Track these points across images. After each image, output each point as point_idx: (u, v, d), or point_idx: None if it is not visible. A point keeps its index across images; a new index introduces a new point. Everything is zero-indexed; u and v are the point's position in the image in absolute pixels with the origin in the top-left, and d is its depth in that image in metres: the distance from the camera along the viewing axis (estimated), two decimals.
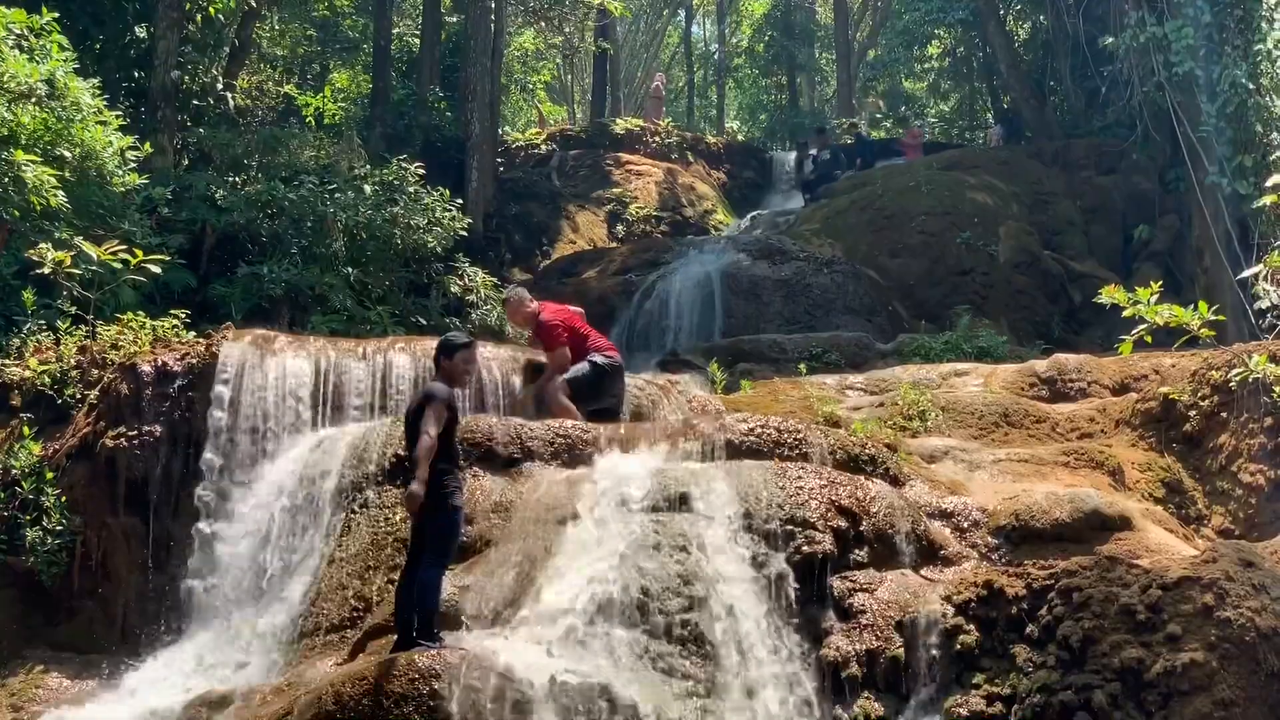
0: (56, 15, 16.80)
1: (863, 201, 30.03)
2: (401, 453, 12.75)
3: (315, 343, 15.05)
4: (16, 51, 15.92)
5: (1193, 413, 14.72)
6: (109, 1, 25.15)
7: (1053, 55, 36.69)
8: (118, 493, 14.00)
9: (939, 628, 10.70)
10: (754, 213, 36.30)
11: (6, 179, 15.46)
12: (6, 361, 15.65)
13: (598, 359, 14.86)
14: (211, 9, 27.47)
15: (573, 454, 12.93)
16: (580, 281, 26.79)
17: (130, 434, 14.03)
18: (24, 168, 15.42)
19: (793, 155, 41.88)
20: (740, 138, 52.62)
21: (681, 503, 11.64)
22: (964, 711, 10.22)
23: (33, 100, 16.04)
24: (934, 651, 10.63)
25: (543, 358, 15.11)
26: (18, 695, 13.04)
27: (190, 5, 25.98)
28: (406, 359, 14.70)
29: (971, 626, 10.65)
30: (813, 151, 37.34)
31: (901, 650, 10.70)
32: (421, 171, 24.51)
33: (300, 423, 14.10)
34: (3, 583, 14.00)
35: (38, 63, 16.03)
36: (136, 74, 26.05)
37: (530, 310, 15.48)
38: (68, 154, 16.39)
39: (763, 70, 55.64)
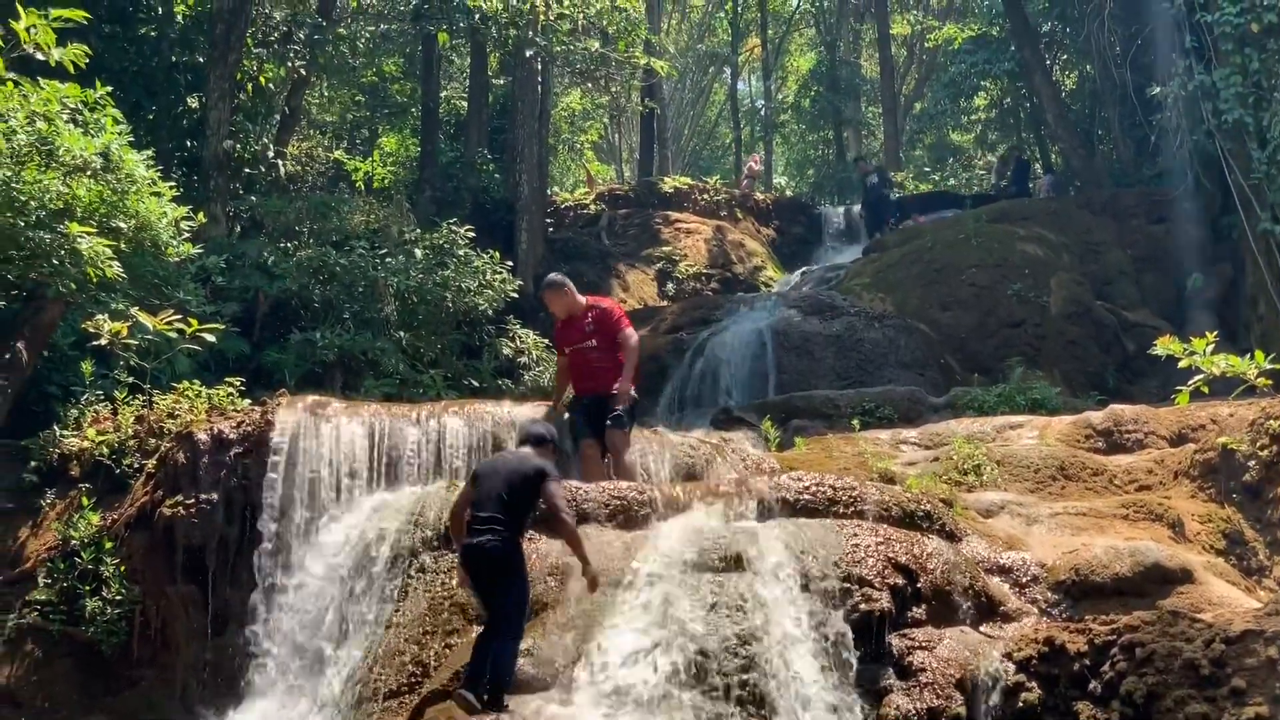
0: (110, 89, 16.95)
1: (913, 255, 30.01)
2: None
3: (369, 408, 15.09)
4: (72, 125, 16.07)
5: (1252, 463, 14.60)
6: (161, 73, 25.51)
7: (1100, 105, 36.68)
8: (176, 561, 14.02)
9: (1000, 685, 10.60)
10: (804, 268, 36.35)
11: (63, 251, 15.58)
12: (65, 432, 15.80)
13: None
14: (262, 78, 27.84)
15: (628, 515, 12.89)
16: None
17: (188, 502, 14.06)
18: (80, 240, 15.54)
19: (841, 210, 42.07)
20: (788, 193, 52.69)
21: (738, 563, 11.56)
22: None
23: (88, 173, 16.18)
24: (996, 709, 10.53)
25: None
26: None
27: (241, 75, 26.29)
28: (460, 422, 14.72)
29: (1033, 684, 10.53)
30: (872, 179, 37.64)
31: (963, 709, 10.58)
32: (471, 234, 24.65)
33: (355, 488, 14.11)
34: (63, 653, 14.06)
35: (93, 136, 16.18)
36: (190, 143, 26.40)
37: (577, 299, 15.54)
38: (123, 225, 16.51)
39: (809, 125, 55.89)
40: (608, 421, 14.70)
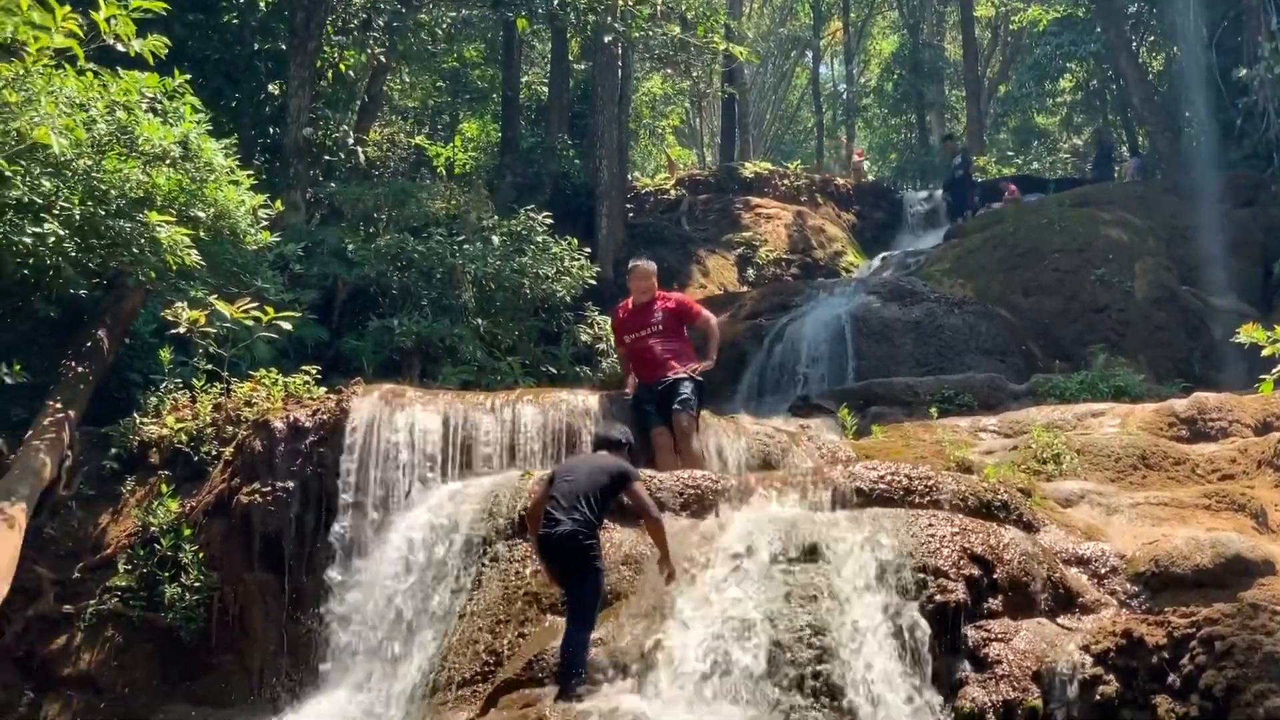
0: (189, 77, 17.04)
1: (994, 240, 29.75)
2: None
3: (444, 396, 15.12)
4: (151, 115, 16.18)
5: None
6: (243, 61, 25.66)
7: (1187, 88, 36.20)
8: (253, 548, 14.14)
9: (1078, 678, 10.47)
10: (884, 253, 36.11)
11: (143, 239, 15.69)
12: (145, 420, 15.94)
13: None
14: (342, 65, 27.95)
15: (702, 504, 12.83)
16: None
17: (264, 490, 14.16)
18: (159, 228, 15.65)
19: (923, 194, 41.82)
20: (870, 177, 52.43)
21: (811, 552, 11.46)
22: None
23: (167, 162, 16.28)
24: (1073, 702, 10.39)
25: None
26: None
27: (321, 62, 26.41)
28: (534, 410, 14.70)
29: (1111, 676, 10.41)
30: (956, 161, 37.36)
31: (1039, 701, 10.46)
32: (549, 221, 24.63)
33: (430, 477, 14.13)
34: (142, 638, 14.23)
35: (172, 125, 16.29)
36: (271, 130, 26.53)
37: (655, 287, 15.63)
38: (202, 214, 16.60)
39: (892, 109, 55.53)
40: (675, 406, 14.68)
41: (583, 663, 10.46)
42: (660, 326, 15.21)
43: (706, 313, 15.77)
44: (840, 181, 43.09)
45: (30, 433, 15.48)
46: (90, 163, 15.48)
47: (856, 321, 24.34)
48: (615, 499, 11.40)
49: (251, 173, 18.37)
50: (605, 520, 11.55)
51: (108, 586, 14.48)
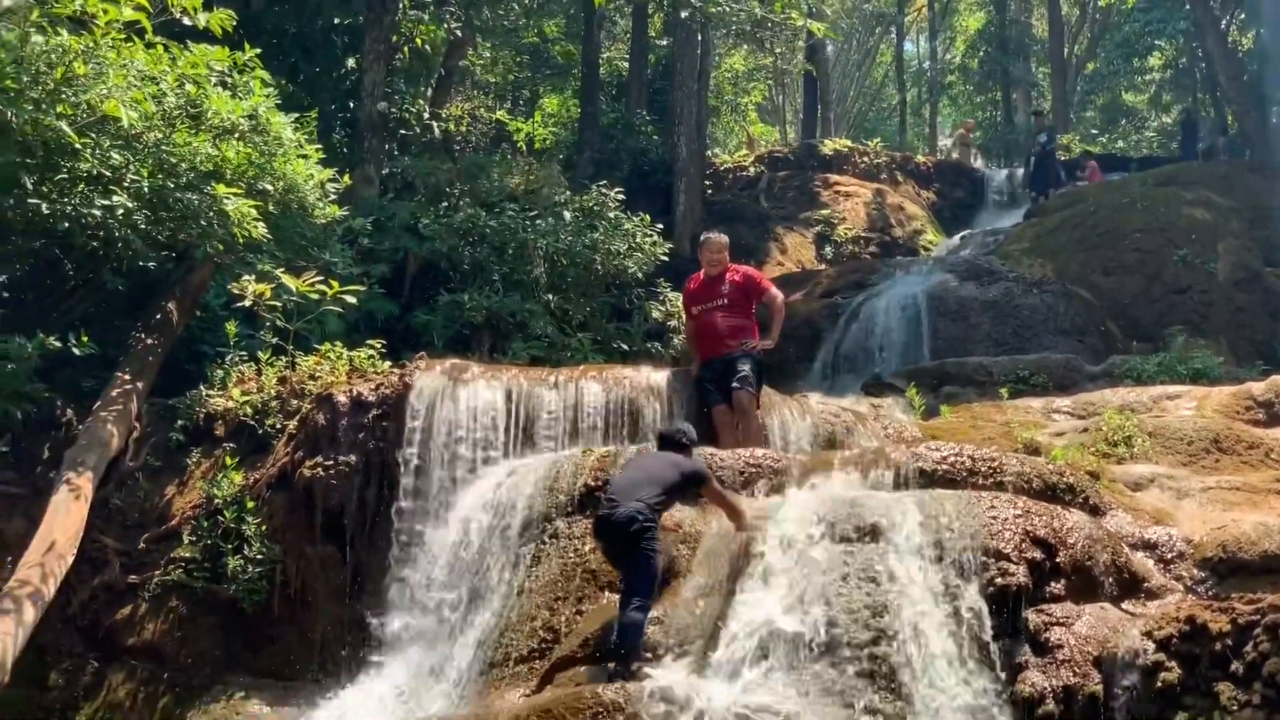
0: (264, 50, 17.08)
1: (1074, 219, 29.40)
2: (591, 483, 12.74)
3: (507, 372, 15.11)
4: (220, 88, 16.23)
5: None
6: (319, 35, 25.75)
7: (1275, 67, 35.64)
8: (315, 522, 14.22)
9: (1139, 664, 10.26)
10: (963, 232, 35.80)
11: (211, 213, 15.74)
12: (211, 392, 16.01)
13: None
14: (419, 40, 27.96)
15: (763, 483, 12.74)
16: (787, 304, 26.54)
17: (327, 464, 14.23)
18: (227, 201, 15.69)
19: (1004, 173, 41.43)
20: (954, 155, 52.02)
21: (872, 533, 11.32)
22: None
23: (236, 135, 16.33)
24: (1134, 689, 10.20)
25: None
26: None
27: (397, 37, 26.43)
28: (598, 388, 14.66)
29: (1173, 663, 10.18)
30: (1041, 138, 36.91)
31: (1100, 687, 10.26)
32: (621, 196, 24.55)
33: (491, 453, 14.13)
34: (206, 610, 14.33)
35: (241, 99, 16.33)
36: (349, 105, 26.59)
37: (727, 260, 15.60)
38: (270, 187, 16.64)
39: (977, 86, 55.06)
40: (735, 383, 14.60)
41: (639, 643, 10.42)
42: (726, 300, 15.16)
43: (774, 290, 15.73)
44: (921, 160, 42.76)
45: (98, 404, 15.61)
46: (159, 136, 15.54)
47: (933, 300, 24.12)
48: (682, 497, 11.51)
49: (323, 147, 18.41)
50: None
51: (172, 558, 14.58)
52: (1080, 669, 10.38)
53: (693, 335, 15.88)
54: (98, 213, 14.99)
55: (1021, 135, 46.14)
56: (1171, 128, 48.96)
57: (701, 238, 15.96)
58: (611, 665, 10.40)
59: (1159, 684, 10.10)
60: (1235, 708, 9.71)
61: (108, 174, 15.16)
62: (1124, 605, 11.18)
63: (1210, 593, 11.33)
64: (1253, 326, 25.62)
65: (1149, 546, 12.05)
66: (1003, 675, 10.50)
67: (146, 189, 15.32)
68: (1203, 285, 26.11)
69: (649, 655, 10.56)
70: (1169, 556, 11.92)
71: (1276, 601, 10.09)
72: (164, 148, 15.54)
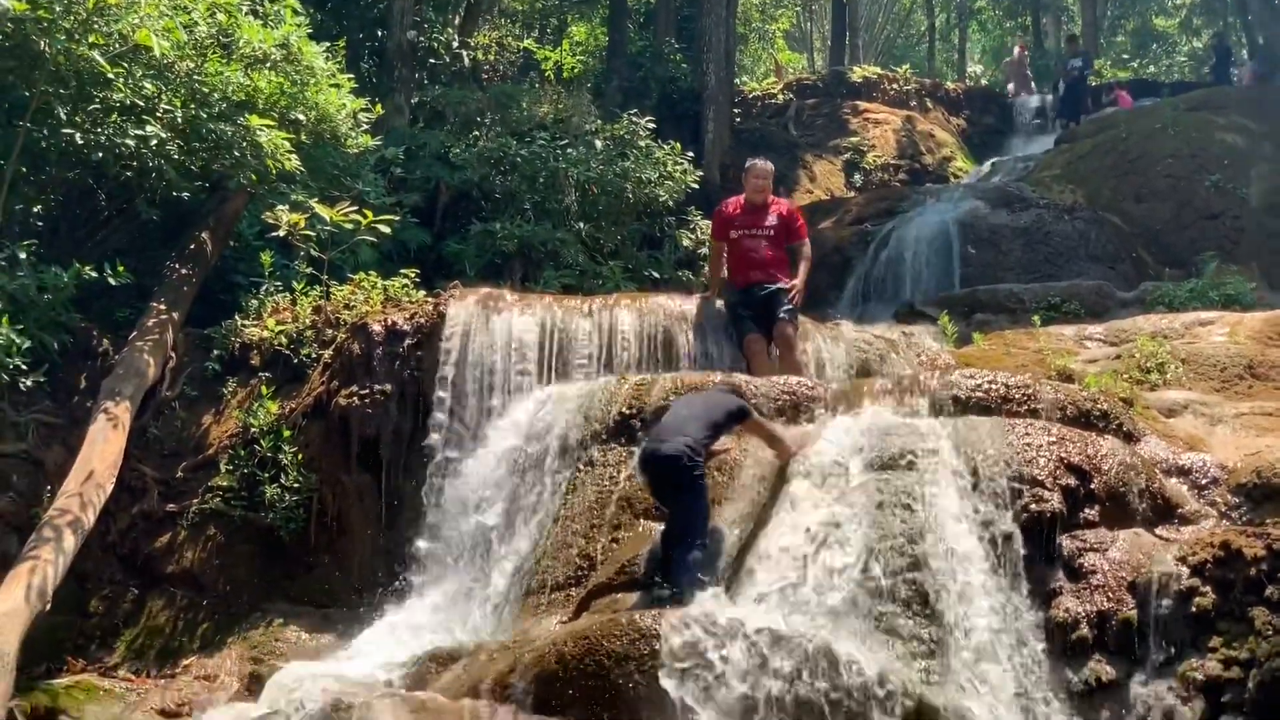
0: None
1: (1105, 145, 29.20)
2: (626, 411, 12.80)
3: (541, 300, 15.13)
4: (251, 18, 16.23)
5: None
6: None
7: None
8: (351, 451, 14.30)
9: (1173, 589, 10.29)
10: (994, 159, 35.58)
11: (244, 143, 15.78)
12: (246, 322, 16.07)
13: None
14: None
15: (797, 410, 12.75)
16: (816, 232, 26.20)
17: (362, 393, 14.30)
18: (260, 132, 15.72)
19: (1035, 99, 41.09)
20: (984, 82, 51.61)
21: (907, 460, 11.38)
22: (1200, 676, 9.80)
23: (268, 65, 16.35)
24: (1168, 614, 10.23)
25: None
26: (259, 648, 13.46)
27: None
28: (631, 316, 14.68)
29: (1208, 588, 10.19)
30: (1075, 63, 36.61)
31: (1134, 612, 10.29)
32: (652, 125, 24.50)
33: (526, 381, 14.16)
34: (243, 538, 14.42)
35: (272, 28, 16.33)
36: (379, 33, 26.52)
37: (769, 189, 15.71)
38: (302, 117, 16.67)
39: (1006, 12, 54.55)
40: (781, 314, 14.61)
41: (692, 580, 10.44)
42: (772, 231, 15.14)
43: (807, 238, 15.73)
44: (950, 86, 42.46)
45: (134, 333, 15.68)
46: (192, 65, 15.58)
47: (963, 228, 24.02)
48: (726, 432, 11.54)
49: (353, 76, 18.41)
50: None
51: (210, 486, 14.68)
52: (1114, 594, 10.41)
53: (719, 257, 15.90)
54: (131, 143, 15.04)
55: (1052, 61, 45.75)
56: (1202, 52, 48.54)
57: (747, 163, 15.90)
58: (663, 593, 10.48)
59: (1193, 609, 10.13)
60: (1270, 632, 9.72)
61: (140, 104, 15.21)
62: (1158, 531, 11.21)
63: (1244, 518, 11.34)
64: None
65: (1183, 472, 12.04)
66: (1037, 601, 10.57)
67: (179, 119, 15.37)
68: (1235, 211, 25.92)
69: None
70: (1203, 482, 11.91)
71: None
72: (196, 77, 15.57)
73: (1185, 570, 10.33)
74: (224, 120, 15.67)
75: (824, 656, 9.42)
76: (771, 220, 15.19)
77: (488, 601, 12.40)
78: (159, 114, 15.26)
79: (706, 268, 21.14)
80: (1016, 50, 46.12)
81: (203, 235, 17.08)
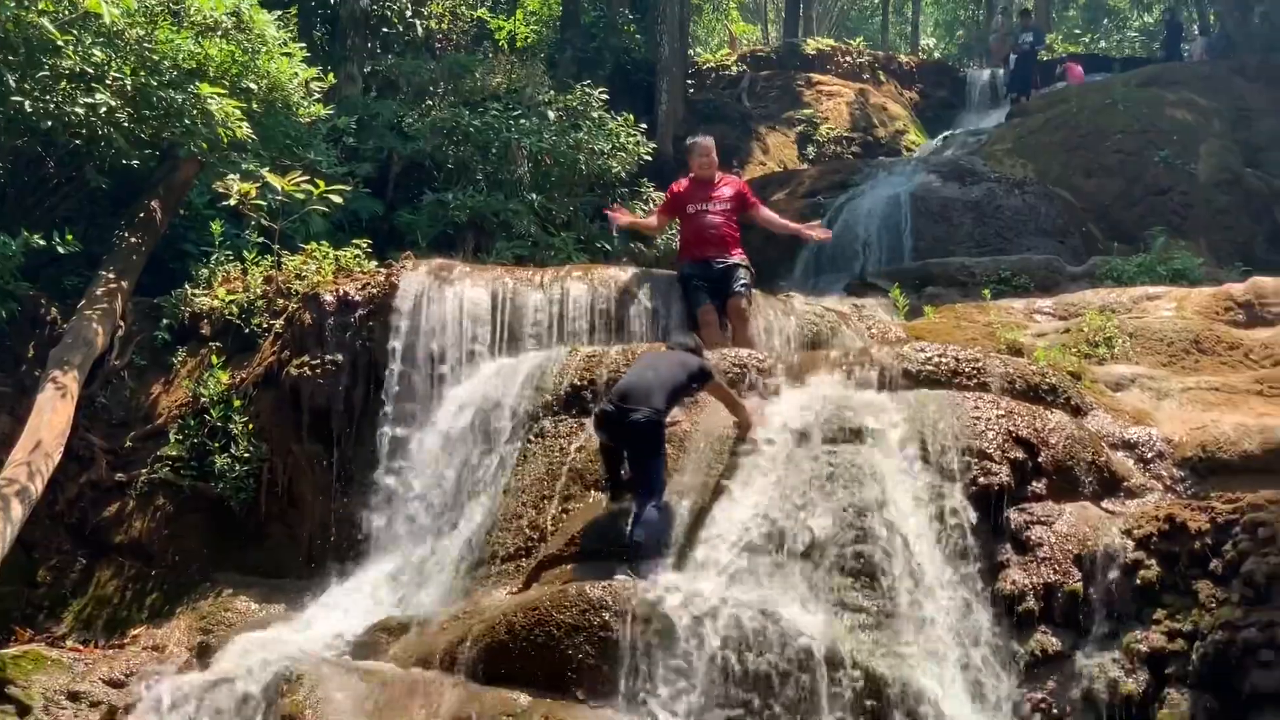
0: None
1: (1057, 120, 29.32)
2: (577, 383, 12.82)
3: (492, 271, 15.12)
4: None
5: None
6: None
7: None
8: (302, 421, 14.28)
9: (1119, 562, 10.39)
10: (946, 133, 35.66)
11: (195, 111, 15.69)
12: (196, 291, 16.02)
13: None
14: None
15: (747, 383, 12.78)
16: (769, 203, 26.37)
17: (313, 363, 14.26)
18: (211, 100, 15.64)
19: (986, 73, 41.22)
20: (936, 55, 51.70)
21: (856, 433, 11.44)
22: (1144, 648, 9.92)
23: (219, 33, 16.26)
24: (1113, 586, 10.33)
25: None
26: (208, 618, 13.47)
27: None
28: (583, 287, 14.67)
29: (1153, 561, 10.30)
30: (1026, 37, 36.68)
31: (1080, 585, 10.40)
32: (605, 96, 24.48)
33: (477, 352, 14.16)
34: (193, 508, 14.43)
35: None
36: (331, 1, 26.35)
37: (715, 164, 15.75)
38: (254, 86, 16.58)
39: None
40: (737, 289, 14.66)
41: (655, 533, 10.68)
42: (727, 207, 15.18)
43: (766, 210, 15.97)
44: (904, 59, 42.53)
45: (83, 302, 15.63)
46: (142, 33, 15.47)
47: (916, 201, 24.06)
48: (688, 394, 11.65)
49: (305, 45, 18.32)
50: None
51: (159, 456, 14.66)
52: (1061, 567, 10.53)
53: (653, 220, 16.31)
54: (80, 110, 14.96)
55: (995, 34, 45.86)
56: (1154, 27, 48.78)
57: (689, 141, 15.95)
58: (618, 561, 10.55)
59: (1138, 581, 10.24)
60: (1214, 605, 9.85)
61: (90, 71, 15.11)
62: (1104, 504, 11.31)
63: (1189, 492, 11.43)
64: (1233, 228, 25.65)
65: (1129, 446, 12.12)
66: (985, 573, 10.66)
67: (129, 86, 15.27)
68: (1184, 186, 26.09)
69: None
70: (1149, 456, 11.99)
71: (1255, 501, 10.22)
72: (146, 45, 15.47)
73: (1130, 543, 10.45)
74: (174, 88, 15.56)
75: (773, 628, 9.51)
76: (726, 194, 15.24)
77: (439, 572, 12.40)
78: (109, 81, 15.16)
79: (661, 240, 21.25)
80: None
81: (153, 204, 16.99)
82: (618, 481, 11.30)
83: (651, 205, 23.67)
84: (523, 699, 9.34)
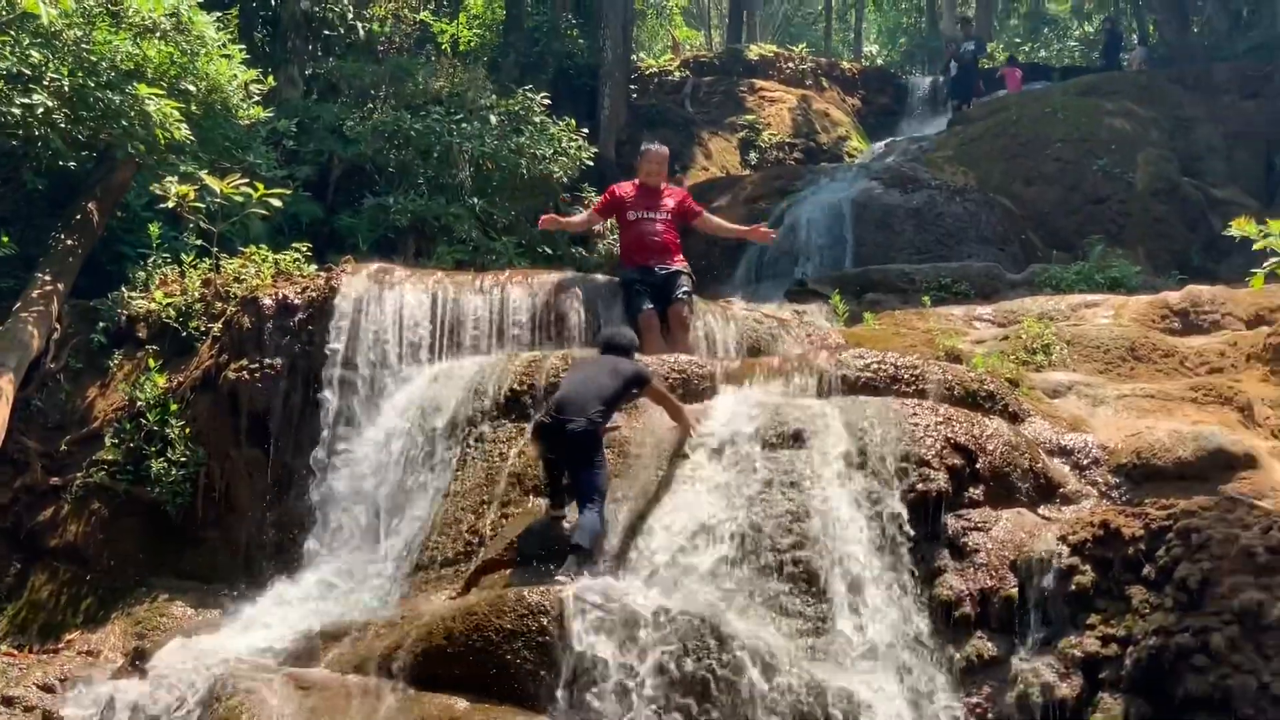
0: None
1: (997, 128, 29.55)
2: (517, 387, 12.80)
3: (433, 276, 15.06)
4: None
5: None
6: None
7: None
8: (240, 425, 14.20)
9: (1054, 568, 10.43)
10: (888, 139, 35.84)
11: (133, 113, 15.61)
12: (133, 294, 15.91)
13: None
14: None
15: (687, 389, 12.79)
16: (711, 210, 26.37)
17: (252, 367, 14.19)
18: (149, 101, 15.55)
19: (928, 80, 41.45)
20: (879, 62, 51.90)
21: (795, 439, 11.45)
22: (1078, 653, 9.95)
23: (157, 34, 16.18)
24: (1049, 592, 10.38)
25: None
26: (143, 623, 13.37)
27: None
28: (523, 292, 14.65)
29: (1087, 567, 10.34)
30: (968, 46, 36.90)
31: (1015, 590, 10.44)
32: (547, 101, 24.49)
33: (417, 356, 14.13)
34: (129, 512, 14.32)
35: None
36: (272, 2, 26.25)
37: (666, 172, 15.77)
38: (192, 88, 16.53)
39: None
40: (679, 295, 14.67)
41: (597, 534, 10.70)
42: (669, 215, 15.20)
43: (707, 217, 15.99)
44: (846, 66, 42.70)
45: (18, 304, 15.51)
46: (80, 34, 15.38)
47: (857, 207, 24.15)
48: (626, 400, 11.66)
49: (245, 46, 18.26)
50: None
51: (95, 460, 14.55)
52: (997, 573, 10.55)
53: (588, 220, 16.37)
54: (17, 111, 14.86)
55: (944, 43, 46.13)
56: (1094, 37, 49.10)
57: (644, 147, 15.92)
58: (571, 560, 10.50)
59: (1073, 587, 10.28)
60: (1147, 610, 9.89)
61: (27, 72, 15.01)
62: (1040, 510, 11.37)
63: (1124, 498, 11.53)
64: (1170, 236, 25.93)
65: (1066, 453, 12.24)
66: (922, 579, 10.69)
67: (67, 87, 15.18)
68: (1121, 195, 26.38)
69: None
70: (1085, 463, 12.10)
71: (1189, 507, 10.27)
72: (84, 46, 15.39)
73: (1065, 549, 10.48)
74: (112, 89, 15.48)
75: (711, 634, 9.50)
76: (669, 204, 15.26)
77: (377, 577, 12.35)
78: (46, 82, 15.07)
79: (603, 245, 21.24)
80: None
81: (89, 205, 16.89)
82: (558, 489, 11.26)
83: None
84: (460, 705, 9.31)
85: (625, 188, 15.58)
